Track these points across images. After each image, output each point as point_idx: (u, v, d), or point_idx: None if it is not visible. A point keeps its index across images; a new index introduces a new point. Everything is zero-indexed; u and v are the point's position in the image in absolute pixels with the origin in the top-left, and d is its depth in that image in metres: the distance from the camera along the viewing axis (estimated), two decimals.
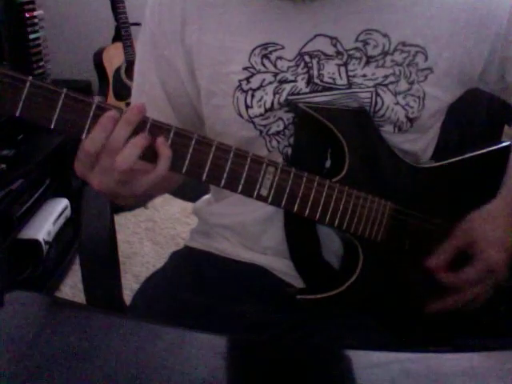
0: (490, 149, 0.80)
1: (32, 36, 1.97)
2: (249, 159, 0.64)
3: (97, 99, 0.58)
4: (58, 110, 0.57)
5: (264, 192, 0.65)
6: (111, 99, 2.52)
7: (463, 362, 0.53)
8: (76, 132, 0.58)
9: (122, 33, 2.51)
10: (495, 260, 0.71)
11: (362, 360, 0.54)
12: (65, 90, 0.56)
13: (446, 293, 0.76)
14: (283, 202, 0.66)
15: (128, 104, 2.53)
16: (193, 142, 0.61)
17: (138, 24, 2.49)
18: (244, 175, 0.64)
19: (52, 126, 0.57)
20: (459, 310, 0.74)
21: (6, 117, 1.64)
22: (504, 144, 0.79)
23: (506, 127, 1.04)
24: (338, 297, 0.71)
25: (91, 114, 0.58)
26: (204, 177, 0.62)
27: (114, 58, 2.54)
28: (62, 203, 1.97)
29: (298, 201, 0.66)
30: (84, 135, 0.58)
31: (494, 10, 0.72)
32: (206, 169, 0.62)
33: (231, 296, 0.77)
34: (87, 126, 0.58)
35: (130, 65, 2.55)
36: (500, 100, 0.82)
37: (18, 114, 0.56)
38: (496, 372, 0.53)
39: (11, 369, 0.49)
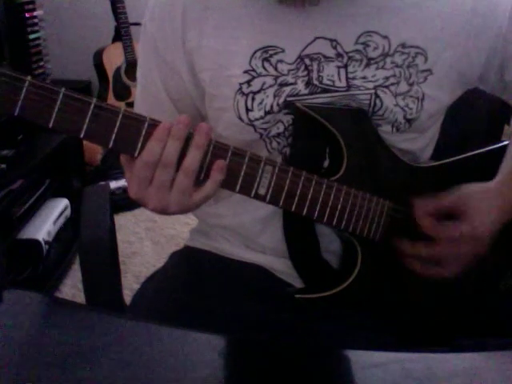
0: (489, 148, 0.80)
1: (32, 36, 1.97)
2: (247, 158, 0.64)
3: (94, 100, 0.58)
4: (56, 110, 0.57)
5: (262, 191, 0.65)
6: (111, 99, 2.52)
7: (463, 362, 0.53)
8: (75, 131, 0.58)
9: (122, 33, 2.51)
10: (482, 230, 0.70)
11: (362, 360, 0.54)
12: (63, 90, 0.57)
13: (445, 292, 0.76)
14: (281, 201, 0.66)
15: (128, 104, 2.53)
16: (190, 139, 0.61)
17: (138, 24, 2.49)
18: (242, 174, 0.64)
19: (50, 126, 0.57)
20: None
21: (5, 117, 1.65)
22: (503, 143, 0.79)
23: (506, 127, 1.04)
24: (337, 296, 0.71)
25: (90, 113, 0.58)
26: (202, 176, 0.62)
27: (114, 57, 2.54)
28: (62, 203, 1.97)
29: (295, 200, 0.66)
30: (82, 135, 0.58)
31: (494, 10, 0.72)
32: (205, 168, 0.62)
33: (231, 296, 0.77)
34: (85, 126, 0.58)
35: (129, 65, 2.55)
36: (500, 100, 0.82)
37: (16, 113, 0.56)
38: (496, 372, 0.52)
39: (11, 369, 0.49)
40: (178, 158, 0.60)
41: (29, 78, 0.55)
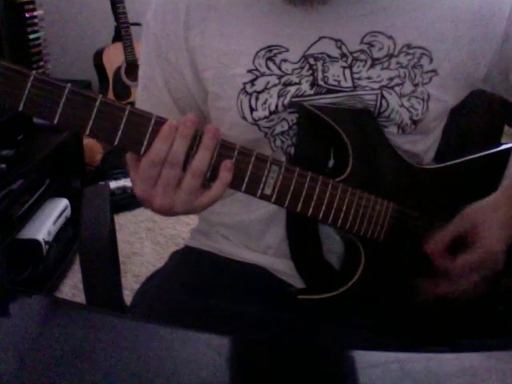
0: (493, 151, 0.80)
1: (32, 36, 1.97)
2: (253, 157, 0.63)
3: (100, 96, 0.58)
4: (61, 105, 0.56)
5: (268, 191, 0.64)
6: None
7: (463, 362, 0.53)
8: (79, 128, 0.57)
9: (122, 33, 2.51)
10: (495, 249, 0.70)
11: (362, 360, 0.54)
12: (69, 85, 0.56)
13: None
14: (286, 202, 0.66)
15: (128, 104, 2.53)
16: (197, 138, 0.61)
17: (138, 24, 2.50)
18: (248, 173, 0.63)
19: (55, 122, 0.56)
20: (457, 303, 0.74)
21: (6, 116, 1.65)
22: (506, 146, 0.79)
23: (506, 127, 1.04)
24: (339, 297, 0.71)
25: (95, 109, 0.57)
26: (208, 174, 0.62)
27: (114, 57, 2.54)
28: (62, 203, 1.97)
29: (301, 200, 0.66)
30: (87, 131, 0.58)
31: (500, 11, 0.71)
32: (210, 167, 0.62)
33: (231, 296, 0.77)
34: (91, 122, 0.57)
35: (129, 65, 2.55)
36: (500, 100, 0.82)
37: (20, 108, 0.55)
38: (496, 372, 0.52)
39: (11, 369, 0.49)
40: (184, 157, 0.60)
41: (33, 72, 0.55)
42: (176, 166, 0.59)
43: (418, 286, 0.73)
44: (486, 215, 0.71)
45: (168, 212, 0.63)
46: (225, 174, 0.61)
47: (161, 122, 0.59)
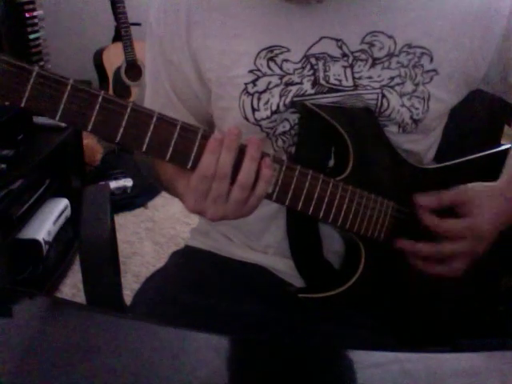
0: (493, 151, 0.80)
1: (32, 36, 1.98)
2: None
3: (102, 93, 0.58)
4: (63, 101, 0.56)
5: (269, 189, 0.65)
6: None
7: (463, 362, 0.53)
8: (81, 124, 0.57)
9: (122, 33, 2.51)
10: (483, 229, 0.70)
11: (362, 360, 0.54)
12: (71, 81, 0.56)
13: (446, 292, 0.76)
14: (287, 200, 0.66)
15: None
16: (198, 136, 0.61)
17: (138, 24, 2.50)
18: None
19: (57, 118, 0.56)
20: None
21: (6, 116, 1.65)
22: (505, 146, 0.79)
23: (506, 127, 1.04)
24: (339, 296, 0.71)
25: (97, 105, 0.57)
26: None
27: (114, 57, 2.54)
28: (62, 203, 1.97)
29: (302, 199, 0.66)
30: (89, 128, 0.57)
31: (499, 10, 0.71)
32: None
33: (231, 296, 0.77)
34: (93, 118, 0.57)
35: (129, 65, 2.55)
36: (500, 100, 0.82)
37: (23, 104, 0.55)
38: (496, 372, 0.53)
39: (11, 369, 0.49)
40: (231, 169, 0.61)
41: (36, 68, 0.54)
42: (224, 178, 0.61)
43: (421, 291, 0.73)
44: (483, 197, 0.72)
45: (220, 220, 0.64)
46: (266, 171, 0.62)
47: (163, 118, 0.59)
